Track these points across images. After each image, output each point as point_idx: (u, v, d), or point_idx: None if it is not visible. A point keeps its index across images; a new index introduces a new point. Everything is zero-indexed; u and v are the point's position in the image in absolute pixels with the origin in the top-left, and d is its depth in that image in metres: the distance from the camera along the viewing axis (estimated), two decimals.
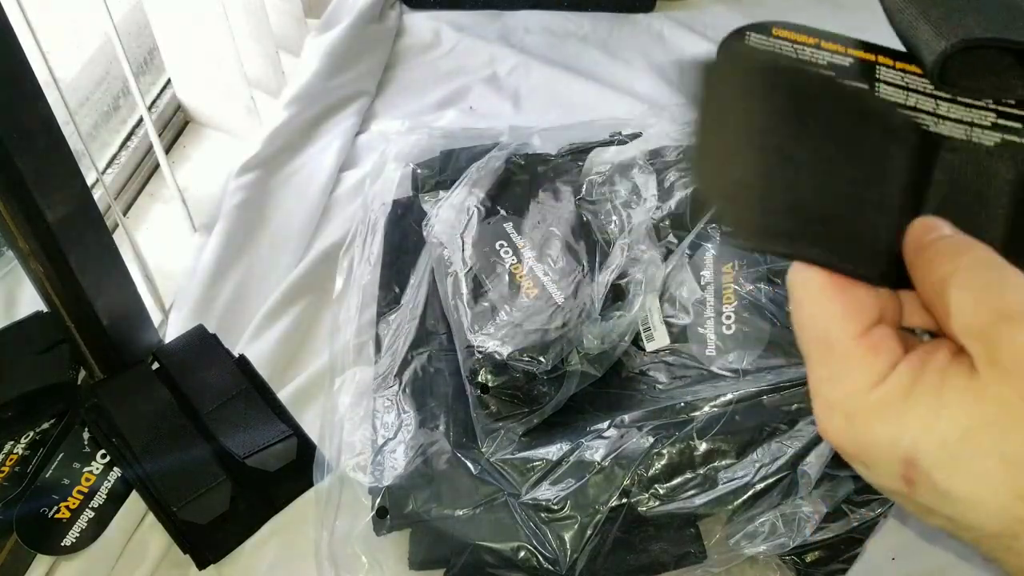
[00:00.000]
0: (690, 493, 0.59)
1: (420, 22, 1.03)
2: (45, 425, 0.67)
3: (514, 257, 0.69)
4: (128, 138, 0.90)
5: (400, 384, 0.67)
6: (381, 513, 0.61)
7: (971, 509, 0.26)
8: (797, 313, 0.30)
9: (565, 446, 0.61)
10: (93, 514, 0.63)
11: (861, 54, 0.35)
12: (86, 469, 0.65)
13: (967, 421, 0.26)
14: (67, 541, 0.61)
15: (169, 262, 0.80)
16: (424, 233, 0.73)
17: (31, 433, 0.66)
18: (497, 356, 0.63)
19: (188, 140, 0.95)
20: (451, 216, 0.72)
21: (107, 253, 0.62)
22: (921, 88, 0.34)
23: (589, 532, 0.58)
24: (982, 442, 0.26)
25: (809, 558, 0.60)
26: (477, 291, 0.67)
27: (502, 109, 0.92)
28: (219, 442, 0.63)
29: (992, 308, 0.26)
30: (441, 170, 0.80)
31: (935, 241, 0.29)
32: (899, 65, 0.35)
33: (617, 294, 0.67)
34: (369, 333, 0.72)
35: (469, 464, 0.62)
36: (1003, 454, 0.25)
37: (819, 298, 0.29)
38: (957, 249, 0.28)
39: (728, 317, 0.67)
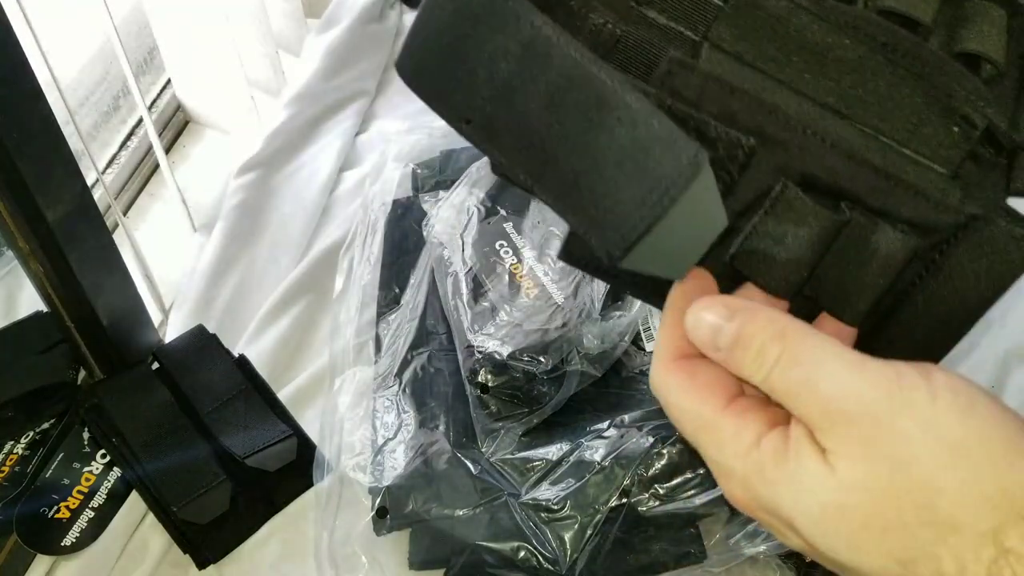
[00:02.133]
0: (690, 493, 0.59)
1: None
2: (45, 425, 0.67)
3: (514, 257, 0.69)
4: (128, 138, 0.90)
5: (400, 384, 0.67)
6: (381, 513, 0.61)
7: (858, 571, 0.27)
8: (671, 412, 0.31)
9: (565, 446, 0.61)
10: (93, 514, 0.63)
11: None
12: (86, 469, 0.65)
13: (827, 498, 0.27)
14: (67, 541, 0.61)
15: (169, 262, 0.80)
16: (424, 233, 0.73)
17: (31, 433, 0.66)
18: (497, 356, 0.63)
19: (188, 140, 0.95)
20: (451, 216, 0.72)
21: (107, 253, 0.62)
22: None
23: (589, 532, 0.58)
24: (846, 516, 0.26)
25: (809, 558, 0.60)
26: (477, 291, 0.67)
27: None
28: (219, 442, 0.63)
29: (816, 406, 0.27)
30: (441, 170, 0.80)
31: (727, 348, 0.29)
32: None
33: (617, 294, 0.67)
34: (369, 333, 0.72)
35: (469, 464, 0.62)
36: (866, 526, 0.26)
37: (680, 392, 0.30)
38: (756, 353, 0.28)
39: None
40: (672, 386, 0.31)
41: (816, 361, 0.27)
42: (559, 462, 0.61)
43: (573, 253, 0.35)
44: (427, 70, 0.32)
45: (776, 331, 0.28)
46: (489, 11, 0.30)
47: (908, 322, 0.33)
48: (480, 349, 0.64)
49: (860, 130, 0.32)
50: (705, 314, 0.30)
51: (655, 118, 0.28)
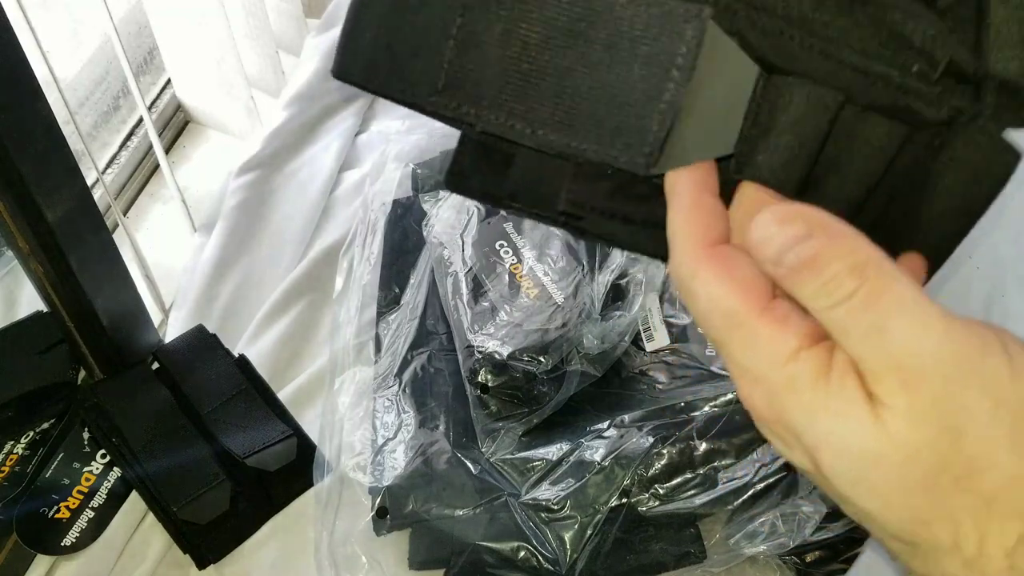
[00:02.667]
0: (690, 493, 0.59)
1: None
2: (45, 425, 0.67)
3: (514, 257, 0.69)
4: (128, 138, 0.90)
5: (400, 384, 0.67)
6: (381, 513, 0.61)
7: (869, 519, 0.26)
8: (695, 306, 0.28)
9: (565, 446, 0.61)
10: (93, 514, 0.63)
11: None
12: (86, 469, 0.65)
13: (867, 445, 0.25)
14: (67, 541, 0.61)
15: (169, 262, 0.80)
16: (424, 233, 0.73)
17: (31, 433, 0.66)
18: (497, 356, 0.63)
19: (188, 140, 0.95)
20: (451, 216, 0.72)
21: (107, 253, 0.62)
22: None
23: (589, 532, 0.58)
24: (883, 471, 0.25)
25: (809, 558, 0.60)
26: (477, 291, 0.67)
27: None
28: (219, 442, 0.63)
29: (883, 356, 0.25)
30: (441, 170, 0.80)
31: (801, 260, 0.26)
32: None
33: (617, 294, 0.67)
34: (369, 333, 0.72)
35: (469, 464, 0.62)
36: (902, 482, 0.25)
37: (715, 284, 0.27)
38: (827, 281, 0.25)
39: None
40: (705, 277, 0.27)
41: (896, 309, 0.25)
42: (559, 462, 0.61)
43: (461, 181, 0.33)
44: (377, 58, 0.30)
45: (857, 262, 0.25)
46: None
47: (911, 210, 0.32)
48: (480, 349, 0.64)
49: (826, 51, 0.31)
50: (781, 228, 0.25)
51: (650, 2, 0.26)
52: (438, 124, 0.35)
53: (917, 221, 0.32)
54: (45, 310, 0.64)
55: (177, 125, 0.95)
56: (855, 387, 0.25)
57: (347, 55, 0.31)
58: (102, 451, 0.65)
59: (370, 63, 0.31)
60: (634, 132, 0.27)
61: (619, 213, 0.32)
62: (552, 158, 0.31)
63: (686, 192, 0.29)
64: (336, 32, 0.94)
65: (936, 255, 0.33)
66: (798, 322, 0.26)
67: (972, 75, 0.32)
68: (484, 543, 0.60)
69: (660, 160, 0.27)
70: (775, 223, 0.26)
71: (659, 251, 0.31)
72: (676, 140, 0.27)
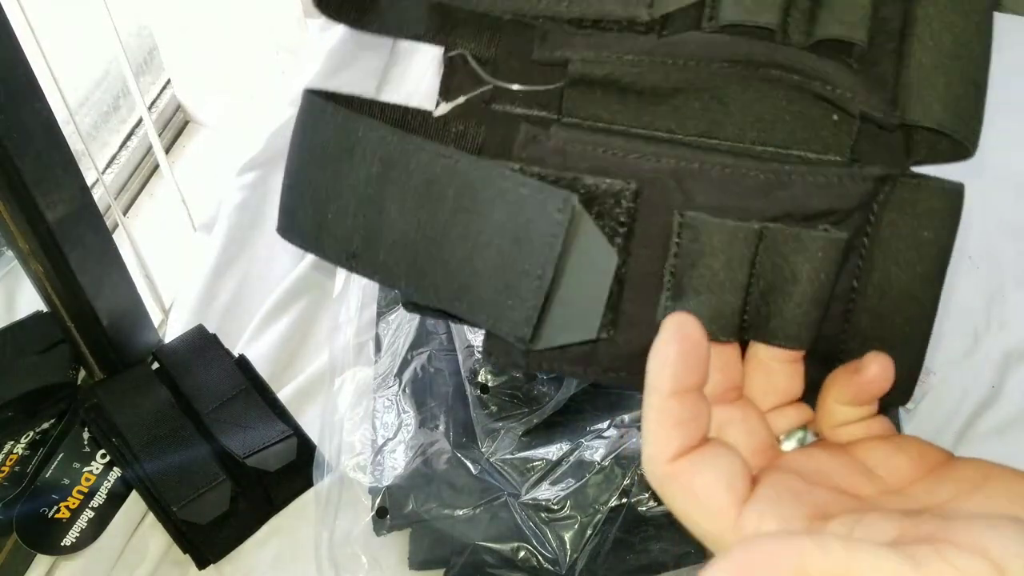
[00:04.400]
0: None
1: None
2: (45, 425, 0.67)
3: None
4: (128, 138, 0.90)
5: (400, 384, 0.67)
6: (381, 513, 0.61)
7: None
8: (672, 508, 0.29)
9: (565, 446, 0.61)
10: (93, 514, 0.63)
11: None
12: (86, 469, 0.65)
13: None
14: (67, 541, 0.61)
15: (169, 262, 0.80)
16: None
17: (31, 433, 0.66)
18: None
19: (188, 140, 0.95)
20: None
21: (107, 253, 0.62)
22: None
23: (589, 532, 0.58)
24: None
25: None
26: None
27: None
28: (219, 442, 0.63)
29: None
30: None
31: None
32: None
33: None
34: (369, 333, 0.72)
35: (469, 464, 0.62)
36: None
37: (679, 501, 0.28)
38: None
39: None
40: (671, 491, 0.28)
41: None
42: (559, 462, 0.61)
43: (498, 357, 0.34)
44: (304, 221, 0.33)
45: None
46: (343, 142, 0.31)
47: (873, 315, 0.32)
48: (480, 349, 0.64)
49: (734, 147, 0.32)
50: None
51: (523, 185, 0.28)
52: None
53: (886, 298, 0.32)
54: (45, 310, 0.64)
55: (177, 125, 0.95)
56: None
57: (281, 213, 0.35)
58: (102, 451, 0.65)
59: (298, 222, 0.34)
60: (514, 309, 0.28)
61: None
62: None
63: (656, 394, 0.29)
64: (336, 32, 0.94)
65: (919, 321, 0.32)
66: (768, 534, 0.26)
67: (888, 128, 0.32)
68: (484, 543, 0.60)
69: (539, 339, 0.28)
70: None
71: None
72: (552, 321, 0.28)
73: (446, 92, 0.36)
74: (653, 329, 0.29)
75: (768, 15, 0.30)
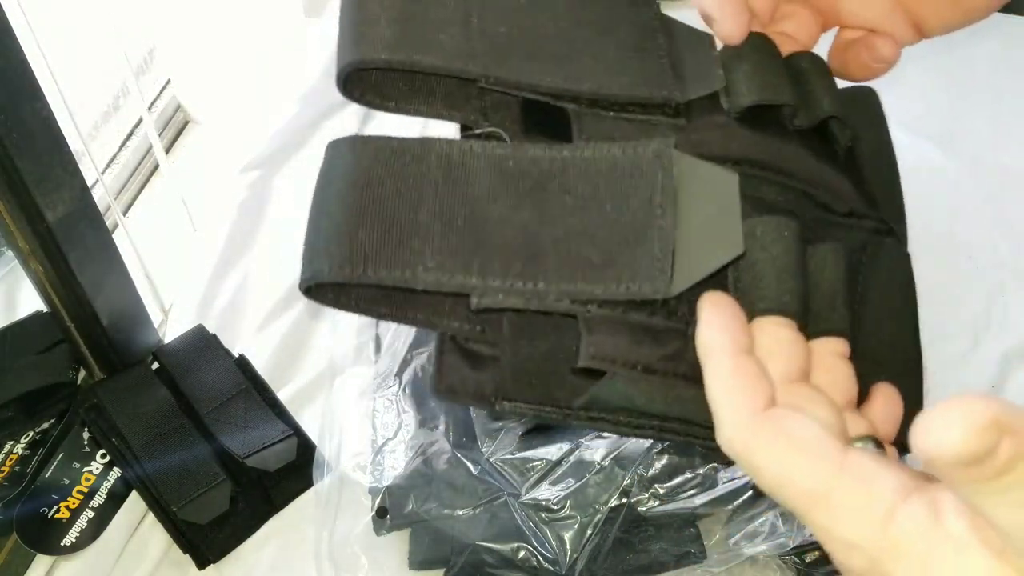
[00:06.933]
0: (690, 493, 0.59)
1: None
2: (45, 425, 0.67)
3: None
4: (128, 138, 0.90)
5: (400, 384, 0.67)
6: (381, 513, 0.61)
7: None
8: (762, 480, 0.26)
9: (565, 446, 0.61)
10: (93, 514, 0.63)
11: None
12: (86, 469, 0.65)
13: None
14: (67, 541, 0.61)
15: (169, 262, 0.80)
16: None
17: (31, 433, 0.66)
18: None
19: (188, 140, 0.95)
20: None
21: (107, 253, 0.62)
22: None
23: (589, 532, 0.58)
24: None
25: (809, 558, 0.60)
26: None
27: None
28: (219, 442, 0.63)
29: None
30: None
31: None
32: None
33: None
34: (369, 333, 0.72)
35: (469, 464, 0.62)
36: None
37: (776, 457, 0.25)
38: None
39: None
40: (766, 450, 0.26)
41: None
42: (559, 462, 0.61)
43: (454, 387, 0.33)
44: (363, 248, 0.29)
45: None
46: (406, 164, 0.31)
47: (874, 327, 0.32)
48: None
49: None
50: (978, 437, 0.20)
51: (611, 147, 0.29)
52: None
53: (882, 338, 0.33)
54: (45, 310, 0.64)
55: (177, 125, 0.95)
56: (971, 531, 0.23)
57: (312, 255, 0.30)
58: (102, 451, 0.65)
59: (359, 252, 0.29)
60: (639, 262, 0.28)
61: (641, 362, 0.30)
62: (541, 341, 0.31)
63: (723, 356, 0.27)
64: (336, 32, 0.94)
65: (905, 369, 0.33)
66: (884, 476, 0.24)
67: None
68: (484, 543, 0.60)
69: (676, 279, 0.27)
70: (972, 432, 0.20)
71: (692, 417, 0.30)
72: (683, 258, 0.28)
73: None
74: None
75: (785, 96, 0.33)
